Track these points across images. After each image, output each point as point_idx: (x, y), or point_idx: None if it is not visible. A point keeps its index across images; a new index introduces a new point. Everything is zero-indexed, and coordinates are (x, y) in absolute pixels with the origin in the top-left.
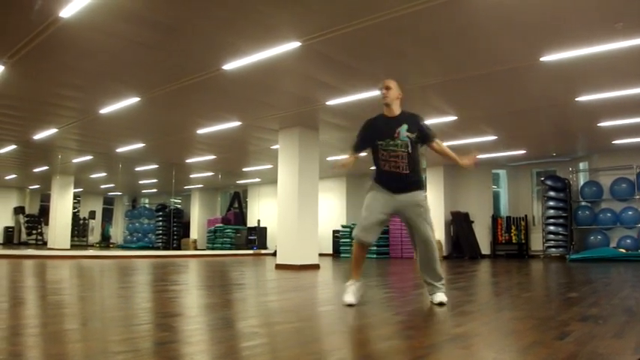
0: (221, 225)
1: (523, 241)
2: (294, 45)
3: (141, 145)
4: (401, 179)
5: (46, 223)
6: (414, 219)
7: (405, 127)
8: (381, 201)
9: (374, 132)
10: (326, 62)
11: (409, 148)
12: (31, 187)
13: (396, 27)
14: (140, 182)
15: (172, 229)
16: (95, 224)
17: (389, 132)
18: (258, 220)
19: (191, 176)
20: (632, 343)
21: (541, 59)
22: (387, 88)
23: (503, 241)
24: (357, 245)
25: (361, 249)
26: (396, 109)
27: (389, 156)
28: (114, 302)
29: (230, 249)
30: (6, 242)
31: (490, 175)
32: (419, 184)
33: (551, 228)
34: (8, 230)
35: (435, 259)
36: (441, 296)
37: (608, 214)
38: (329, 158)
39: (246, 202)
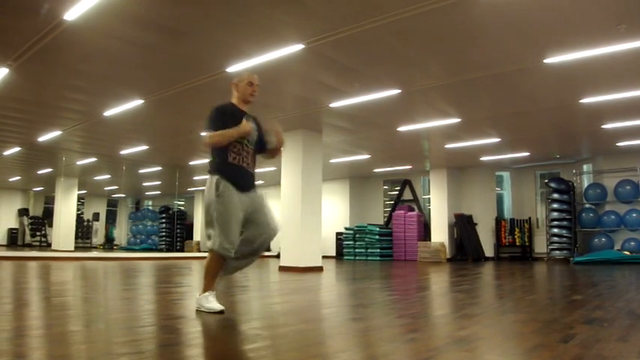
0: None
1: (527, 244)
2: (297, 47)
3: (145, 147)
4: (251, 176)
5: (50, 225)
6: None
7: (254, 124)
8: (235, 201)
9: (231, 119)
10: (329, 64)
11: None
12: (35, 189)
13: (399, 29)
14: (144, 184)
15: (176, 231)
16: (99, 226)
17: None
18: None
19: (194, 178)
20: (636, 347)
21: (545, 61)
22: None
23: (507, 244)
24: (220, 258)
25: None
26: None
27: (242, 149)
28: (118, 304)
29: None
30: (10, 244)
31: (494, 177)
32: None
33: (555, 230)
34: (12, 232)
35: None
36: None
37: (613, 217)
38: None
39: None
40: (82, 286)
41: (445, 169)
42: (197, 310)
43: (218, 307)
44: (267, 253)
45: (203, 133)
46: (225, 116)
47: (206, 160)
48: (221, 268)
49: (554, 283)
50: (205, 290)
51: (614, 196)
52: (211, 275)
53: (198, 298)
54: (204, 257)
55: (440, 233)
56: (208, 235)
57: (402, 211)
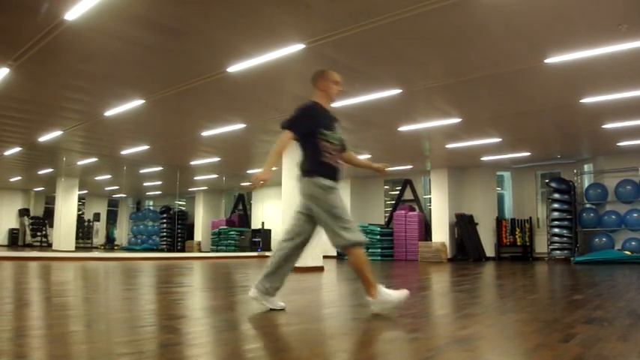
0: (225, 227)
1: (527, 244)
2: (298, 47)
3: (145, 147)
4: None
5: (51, 225)
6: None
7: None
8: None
9: (319, 119)
10: (330, 64)
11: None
12: (36, 189)
13: (400, 29)
14: (145, 184)
15: (177, 231)
16: (100, 226)
17: (331, 124)
18: (263, 223)
19: (195, 178)
20: (637, 346)
21: (545, 61)
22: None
23: (508, 244)
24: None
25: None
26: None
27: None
28: (118, 304)
29: (234, 251)
30: (11, 244)
31: (494, 177)
32: None
33: (556, 230)
34: (13, 232)
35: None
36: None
37: (613, 217)
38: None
39: (250, 205)
40: (83, 286)
41: (446, 168)
42: (378, 314)
43: (402, 292)
44: (267, 254)
45: (284, 127)
46: (315, 117)
47: (206, 161)
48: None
49: (554, 283)
50: (374, 287)
51: (614, 196)
52: (369, 269)
53: (375, 302)
54: (204, 257)
55: (441, 233)
56: (340, 233)
57: (403, 211)
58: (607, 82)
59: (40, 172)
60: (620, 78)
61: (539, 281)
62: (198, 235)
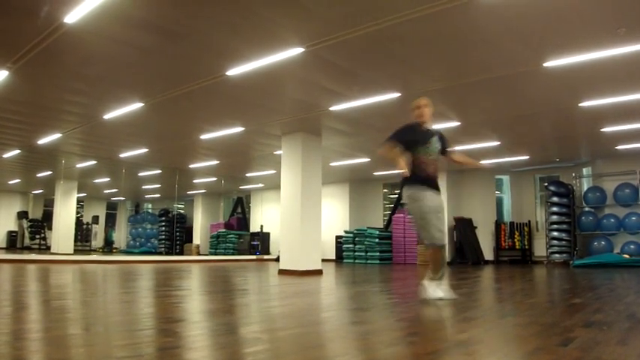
0: (224, 230)
1: (526, 247)
2: (297, 51)
3: (144, 150)
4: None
5: (50, 228)
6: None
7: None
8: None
9: (414, 134)
10: (329, 68)
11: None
12: (34, 192)
13: (399, 33)
14: (143, 187)
15: (175, 234)
16: (98, 229)
17: (425, 138)
18: (261, 226)
19: (194, 181)
20: (636, 350)
21: (544, 64)
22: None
23: (507, 247)
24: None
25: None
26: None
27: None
28: (117, 307)
29: (233, 254)
30: (9, 247)
31: (493, 180)
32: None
33: (555, 234)
34: (12, 235)
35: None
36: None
37: (612, 220)
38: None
39: (249, 208)
40: (81, 289)
41: (445, 172)
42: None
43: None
44: (266, 257)
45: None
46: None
47: (204, 164)
48: None
49: (553, 287)
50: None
51: (613, 199)
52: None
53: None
54: (203, 260)
55: None
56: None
57: (402, 215)
58: (606, 85)
59: (38, 175)
60: (619, 81)
61: (537, 285)
62: (197, 238)
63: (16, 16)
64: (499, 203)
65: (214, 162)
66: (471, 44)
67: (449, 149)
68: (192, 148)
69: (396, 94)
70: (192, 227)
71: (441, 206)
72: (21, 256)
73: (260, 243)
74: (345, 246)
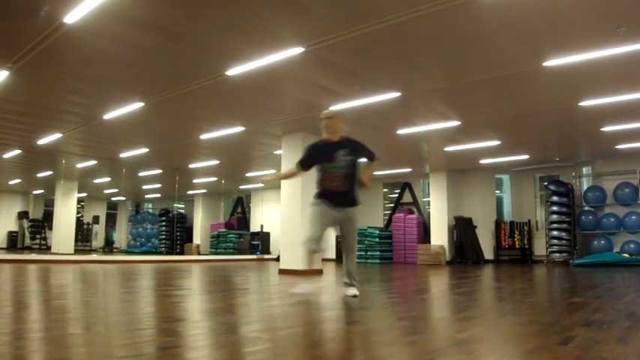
0: (224, 230)
1: (526, 246)
2: (297, 50)
3: (144, 150)
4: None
5: (50, 228)
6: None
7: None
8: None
9: (319, 154)
10: (329, 68)
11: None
12: (35, 192)
13: (399, 32)
14: (144, 187)
15: (175, 234)
16: (99, 229)
17: (329, 155)
18: (262, 225)
19: (194, 181)
20: (636, 349)
21: (544, 64)
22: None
23: (507, 246)
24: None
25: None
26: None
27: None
28: (117, 307)
29: (233, 254)
30: (10, 247)
31: (493, 180)
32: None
33: (555, 233)
34: (12, 235)
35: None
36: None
37: (612, 219)
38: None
39: (249, 208)
40: (82, 289)
41: (445, 171)
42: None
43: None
44: (266, 256)
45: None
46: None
47: (204, 164)
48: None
49: (553, 286)
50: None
51: (613, 198)
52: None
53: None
54: (203, 260)
55: (439, 236)
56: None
57: (402, 214)
58: (606, 84)
59: (39, 175)
60: (619, 81)
61: (537, 284)
62: (197, 237)
63: (16, 16)
64: (499, 202)
65: (214, 162)
66: (471, 44)
67: (367, 159)
68: (192, 148)
69: (395, 94)
70: (192, 227)
71: (338, 219)
72: (21, 256)
73: (260, 243)
74: None
